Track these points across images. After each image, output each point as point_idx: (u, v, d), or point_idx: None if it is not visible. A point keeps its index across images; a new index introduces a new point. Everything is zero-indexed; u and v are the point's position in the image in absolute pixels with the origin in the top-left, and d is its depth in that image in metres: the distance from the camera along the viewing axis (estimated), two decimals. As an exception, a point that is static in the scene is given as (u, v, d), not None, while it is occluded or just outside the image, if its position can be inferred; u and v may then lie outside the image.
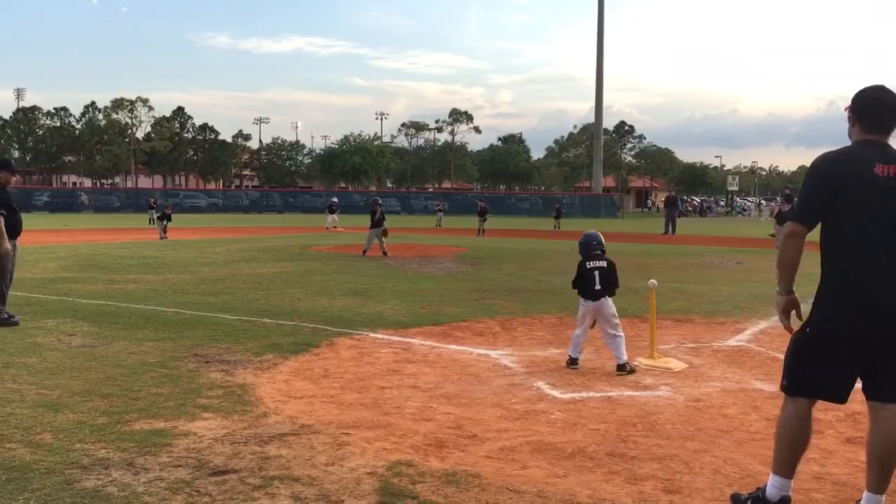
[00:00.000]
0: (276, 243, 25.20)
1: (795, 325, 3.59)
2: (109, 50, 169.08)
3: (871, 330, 3.38)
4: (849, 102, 3.63)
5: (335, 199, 43.06)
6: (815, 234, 3.55)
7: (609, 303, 6.99)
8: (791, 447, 3.58)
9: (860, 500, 3.62)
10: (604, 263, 7.09)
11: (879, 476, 3.52)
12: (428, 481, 4.06)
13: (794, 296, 3.56)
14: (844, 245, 3.45)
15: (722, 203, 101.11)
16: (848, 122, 3.63)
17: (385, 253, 19.87)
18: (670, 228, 37.64)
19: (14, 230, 8.98)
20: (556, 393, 6.05)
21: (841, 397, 3.52)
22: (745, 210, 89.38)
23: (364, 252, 20.05)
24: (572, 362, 6.95)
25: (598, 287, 6.95)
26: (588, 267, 7.08)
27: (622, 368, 6.73)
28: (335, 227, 36.06)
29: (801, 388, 3.57)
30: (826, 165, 3.50)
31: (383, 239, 20.13)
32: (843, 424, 5.21)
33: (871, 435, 3.53)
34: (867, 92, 3.57)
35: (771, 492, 3.57)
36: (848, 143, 3.63)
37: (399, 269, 16.76)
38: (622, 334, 6.88)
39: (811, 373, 3.53)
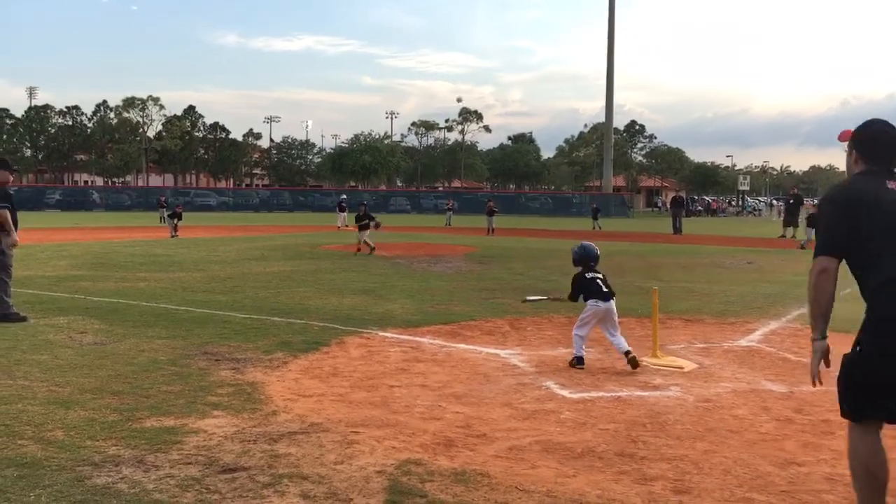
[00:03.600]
0: (286, 242, 25.26)
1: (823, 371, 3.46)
2: (120, 49, 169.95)
3: None
4: (843, 131, 3.65)
5: (344, 197, 42.78)
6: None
7: (614, 305, 7.22)
8: (868, 482, 3.35)
9: None
10: (600, 274, 7.38)
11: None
12: (437, 480, 4.07)
13: (827, 341, 3.42)
14: (883, 261, 3.34)
15: (733, 203, 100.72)
16: (847, 155, 3.64)
17: (372, 249, 19.98)
18: (677, 228, 37.53)
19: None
20: (565, 393, 6.04)
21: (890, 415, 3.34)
22: (756, 210, 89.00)
23: (356, 251, 20.12)
24: (579, 361, 6.98)
25: (605, 290, 7.18)
26: (589, 277, 7.31)
27: (629, 352, 6.96)
28: (346, 225, 35.93)
29: (860, 411, 3.38)
30: (841, 196, 3.48)
31: (367, 233, 20.47)
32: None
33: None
34: (872, 128, 3.58)
35: None
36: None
37: (409, 267, 16.77)
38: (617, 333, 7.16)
39: (869, 393, 3.34)
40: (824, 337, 3.42)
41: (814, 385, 3.47)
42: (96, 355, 7.07)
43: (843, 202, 3.46)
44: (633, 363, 6.85)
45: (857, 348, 3.37)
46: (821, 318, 3.41)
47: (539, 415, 5.41)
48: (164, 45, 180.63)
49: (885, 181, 3.47)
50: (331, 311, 9.97)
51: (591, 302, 7.15)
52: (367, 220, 20.49)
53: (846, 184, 3.57)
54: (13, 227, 8.98)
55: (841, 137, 3.75)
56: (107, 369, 6.51)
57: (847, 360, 3.39)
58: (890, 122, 3.61)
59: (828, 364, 3.45)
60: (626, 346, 6.99)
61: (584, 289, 7.25)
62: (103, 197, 68.37)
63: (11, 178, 9.64)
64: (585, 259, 7.47)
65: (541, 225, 46.35)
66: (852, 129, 3.70)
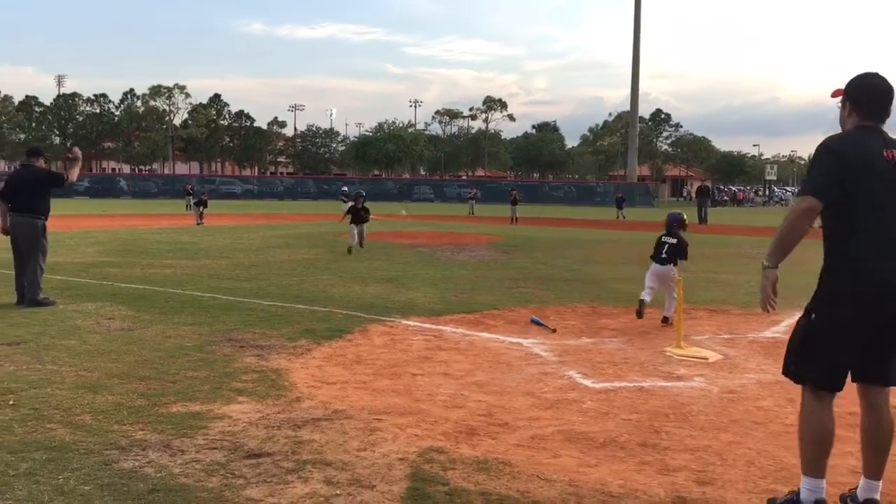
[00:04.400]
0: (310, 230, 25.39)
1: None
2: (147, 37, 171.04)
3: (876, 311, 3.38)
4: (836, 89, 3.66)
5: (345, 189, 41.69)
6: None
7: (672, 272, 8.47)
8: (814, 445, 3.50)
9: (856, 489, 3.60)
10: (674, 240, 8.65)
11: (875, 461, 3.52)
12: (459, 468, 4.08)
13: (777, 271, 3.53)
14: (851, 227, 3.43)
15: (759, 192, 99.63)
16: (841, 109, 3.63)
17: (360, 245, 17.73)
18: (702, 218, 37.22)
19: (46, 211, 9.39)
20: (588, 382, 6.03)
21: (840, 385, 3.49)
22: (783, 200, 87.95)
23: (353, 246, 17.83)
24: (640, 304, 8.38)
25: (663, 255, 8.57)
26: (662, 240, 8.76)
27: (665, 320, 8.46)
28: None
29: (805, 377, 3.54)
30: (838, 146, 3.47)
31: (364, 227, 18.17)
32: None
33: (865, 421, 3.55)
34: (864, 81, 3.57)
35: (805, 495, 3.49)
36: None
37: (432, 256, 16.79)
38: (676, 297, 7.93)
39: (819, 359, 3.48)
40: (776, 267, 3.52)
41: (766, 312, 3.61)
42: (124, 341, 7.16)
43: (841, 152, 3.45)
44: (664, 321, 8.44)
45: (812, 315, 3.51)
46: (781, 252, 3.49)
47: (561, 404, 5.41)
48: (190, 33, 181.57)
49: (883, 136, 3.47)
50: (354, 299, 10.01)
51: (652, 265, 8.67)
52: (363, 213, 18.13)
53: (845, 134, 3.56)
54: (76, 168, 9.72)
55: (834, 94, 3.70)
56: (134, 355, 6.60)
57: (800, 329, 3.55)
58: None
59: (775, 293, 3.54)
60: (667, 313, 8.46)
61: (654, 249, 8.76)
62: (130, 184, 69.18)
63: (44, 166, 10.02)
64: (666, 223, 8.85)
65: (564, 214, 46.19)
66: None
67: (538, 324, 8.36)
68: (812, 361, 3.51)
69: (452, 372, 6.28)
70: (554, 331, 8.06)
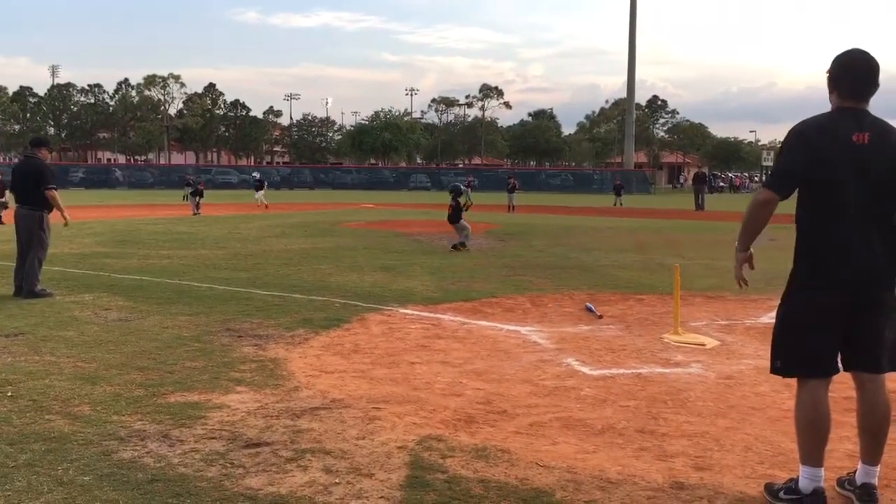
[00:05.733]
0: (307, 219, 25.36)
1: (747, 274, 3.78)
2: (141, 26, 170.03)
3: (848, 297, 3.41)
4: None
5: (256, 175, 40.51)
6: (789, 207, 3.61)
7: None
8: (810, 434, 3.51)
9: (854, 472, 3.61)
10: None
11: (872, 447, 3.53)
12: (458, 456, 4.09)
13: (751, 251, 3.70)
14: (821, 213, 3.45)
15: (755, 179, 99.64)
16: (827, 88, 3.59)
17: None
18: (699, 205, 37.23)
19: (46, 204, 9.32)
20: (585, 369, 6.04)
21: (828, 370, 3.50)
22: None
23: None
24: None
25: None
26: None
27: None
28: (265, 205, 32.50)
29: (790, 367, 3.57)
30: (804, 131, 3.48)
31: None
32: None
33: (860, 407, 3.56)
34: (844, 56, 3.51)
35: (803, 483, 3.49)
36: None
37: (429, 245, 16.79)
38: None
39: (799, 348, 3.52)
40: (747, 249, 3.69)
41: (738, 286, 3.81)
42: (121, 331, 7.16)
43: (808, 138, 3.46)
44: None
45: (783, 305, 3.60)
46: (747, 237, 3.67)
47: (559, 391, 5.42)
48: (185, 22, 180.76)
49: (859, 118, 3.42)
50: (351, 288, 10.01)
51: None
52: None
53: (816, 118, 3.53)
54: (61, 205, 9.40)
55: None
56: (132, 345, 6.60)
57: (777, 319, 3.64)
58: None
59: (751, 266, 3.74)
60: None
61: None
62: (126, 175, 68.96)
63: (50, 157, 9.96)
64: None
65: (561, 202, 46.18)
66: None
67: (590, 310, 8.42)
68: (790, 350, 3.55)
69: (450, 360, 6.29)
70: (601, 317, 8.13)
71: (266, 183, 36.36)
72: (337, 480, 3.75)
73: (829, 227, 3.44)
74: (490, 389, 5.43)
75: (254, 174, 42.59)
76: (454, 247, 15.46)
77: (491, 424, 4.67)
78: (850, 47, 3.55)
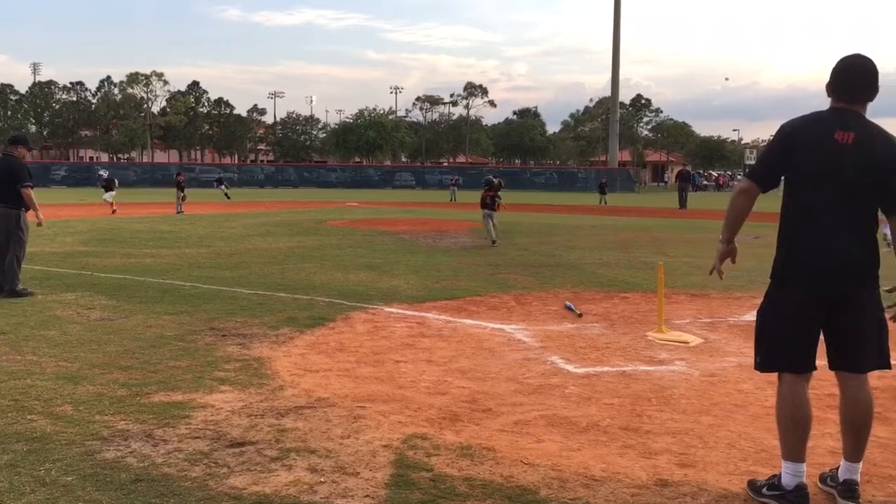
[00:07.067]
0: (291, 218, 25.28)
1: (726, 268, 3.88)
2: (123, 23, 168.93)
3: (824, 292, 3.45)
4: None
5: (102, 173, 34.11)
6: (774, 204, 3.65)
7: None
8: (791, 430, 3.54)
9: (837, 468, 3.65)
10: None
11: (854, 444, 3.57)
12: (443, 454, 4.09)
13: (734, 245, 3.79)
14: (798, 207, 3.52)
15: (738, 177, 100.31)
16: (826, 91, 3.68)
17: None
18: (682, 203, 37.38)
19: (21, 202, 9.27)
20: (570, 367, 6.06)
21: (807, 366, 3.54)
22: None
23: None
24: None
25: None
26: None
27: None
28: (112, 206, 27.78)
29: (770, 362, 3.62)
30: (788, 127, 3.57)
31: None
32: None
33: (842, 405, 3.60)
34: (842, 61, 3.58)
35: (786, 479, 3.52)
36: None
37: (413, 243, 16.78)
38: None
39: (777, 343, 3.57)
40: (731, 242, 3.78)
41: (710, 273, 3.93)
42: (104, 331, 7.11)
43: (790, 133, 3.55)
44: None
45: (765, 302, 3.65)
46: (729, 228, 3.75)
47: (544, 389, 5.43)
48: (167, 20, 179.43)
49: (845, 117, 3.48)
50: (336, 287, 9.99)
51: None
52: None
53: (803, 116, 3.62)
54: (36, 204, 9.32)
55: None
56: (114, 345, 6.55)
57: (757, 314, 3.69)
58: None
59: (733, 261, 3.86)
60: None
61: None
62: (109, 173, 68.30)
63: (28, 155, 9.86)
64: None
65: (546, 200, 46.25)
66: None
67: (570, 309, 8.43)
68: (770, 345, 3.60)
69: (435, 358, 6.29)
70: (581, 315, 8.15)
71: (116, 182, 30.65)
72: (322, 479, 3.74)
73: (807, 222, 3.49)
74: (475, 388, 5.43)
75: (100, 172, 34.91)
76: (490, 241, 16.47)
77: (476, 422, 4.67)
78: (847, 51, 3.64)
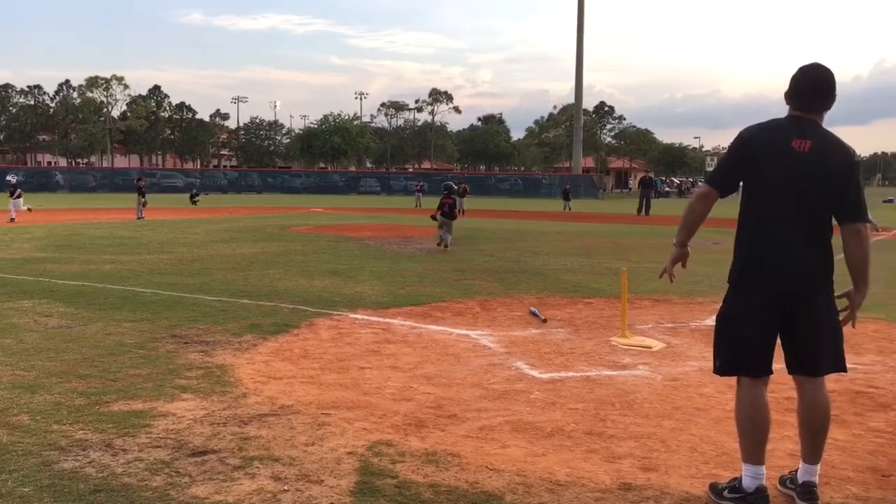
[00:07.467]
0: (255, 223, 25.06)
1: (678, 272, 3.95)
2: (83, 27, 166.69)
3: (779, 297, 3.51)
4: None
5: (12, 178, 29.56)
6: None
7: None
8: (750, 433, 3.59)
9: (796, 471, 3.71)
10: None
11: (812, 447, 3.63)
12: (408, 461, 4.08)
13: (687, 249, 3.87)
14: (755, 214, 3.58)
15: (699, 183, 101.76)
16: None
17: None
18: (644, 209, 37.81)
19: None
20: (535, 373, 6.08)
21: (763, 369, 3.59)
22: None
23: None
24: None
25: None
26: None
27: None
28: (29, 209, 27.62)
29: (728, 366, 3.66)
30: (746, 134, 3.64)
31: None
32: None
33: (800, 408, 3.67)
34: (799, 70, 3.64)
35: (746, 482, 3.57)
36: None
37: (378, 249, 16.73)
38: None
39: (734, 347, 3.61)
40: (684, 246, 3.86)
41: (660, 277, 4.03)
42: (62, 339, 6.97)
43: (747, 139, 3.62)
44: None
45: (722, 307, 3.71)
46: (685, 232, 3.83)
47: (509, 395, 5.44)
48: (128, 23, 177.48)
49: (802, 125, 3.53)
50: (300, 294, 9.92)
51: None
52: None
53: (761, 123, 3.68)
54: None
55: None
56: (73, 353, 6.43)
57: (716, 320, 3.73)
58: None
59: (684, 265, 3.93)
60: None
61: None
62: (67, 178, 67.27)
63: None
64: None
65: (511, 206, 46.45)
66: None
67: (535, 315, 8.44)
68: (726, 349, 3.64)
69: (401, 365, 6.27)
70: (545, 321, 8.16)
71: (20, 190, 27.43)
72: (286, 488, 3.71)
73: (763, 228, 3.55)
74: (440, 394, 5.43)
75: (8, 177, 31.92)
76: (443, 245, 16.31)
77: (441, 429, 4.67)
78: (806, 61, 3.68)
